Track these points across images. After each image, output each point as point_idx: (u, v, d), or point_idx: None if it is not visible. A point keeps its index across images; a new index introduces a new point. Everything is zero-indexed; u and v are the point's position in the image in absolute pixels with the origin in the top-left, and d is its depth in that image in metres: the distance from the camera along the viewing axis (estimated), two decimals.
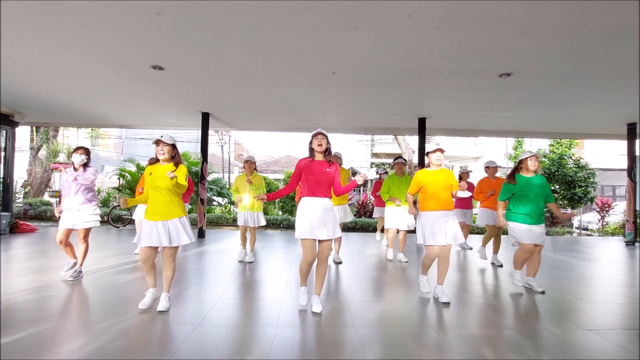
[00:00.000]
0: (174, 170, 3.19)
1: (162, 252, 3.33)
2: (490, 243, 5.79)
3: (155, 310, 3.20)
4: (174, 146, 3.32)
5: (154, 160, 3.37)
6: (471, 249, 7.05)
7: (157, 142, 3.26)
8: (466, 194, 4.93)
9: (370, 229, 10.27)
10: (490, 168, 5.80)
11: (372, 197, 7.80)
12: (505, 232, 5.09)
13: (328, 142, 3.38)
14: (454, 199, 3.93)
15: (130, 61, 5.28)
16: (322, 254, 3.34)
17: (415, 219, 4.71)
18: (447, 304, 3.61)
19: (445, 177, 3.72)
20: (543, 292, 4.06)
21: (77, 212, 4.21)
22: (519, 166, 4.12)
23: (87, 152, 4.32)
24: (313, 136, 3.37)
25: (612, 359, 2.54)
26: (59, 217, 4.28)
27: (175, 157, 3.32)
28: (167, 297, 3.32)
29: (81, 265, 4.33)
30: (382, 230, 7.74)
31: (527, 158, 4.05)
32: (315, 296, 3.41)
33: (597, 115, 7.89)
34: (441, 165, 3.78)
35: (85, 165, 4.29)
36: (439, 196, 3.69)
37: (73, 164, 4.25)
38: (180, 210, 3.31)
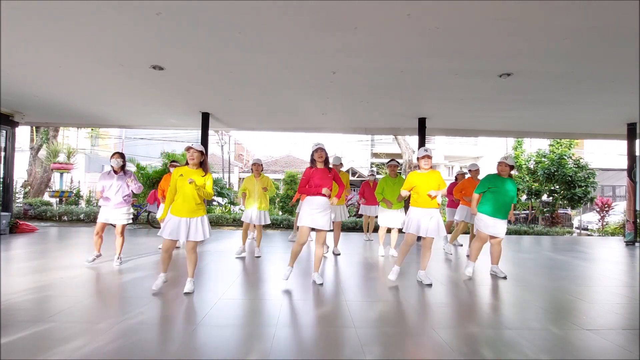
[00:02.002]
0: (203, 175, 3.71)
1: (184, 245, 3.85)
2: (462, 236, 6.80)
3: (182, 293, 3.75)
4: (202, 153, 3.75)
5: (183, 165, 3.82)
6: (461, 245, 7.32)
7: (188, 149, 3.71)
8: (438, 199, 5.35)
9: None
10: (472, 171, 6.37)
11: (360, 197, 8.05)
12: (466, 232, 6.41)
13: (326, 154, 4.23)
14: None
15: (130, 61, 5.28)
16: (318, 239, 4.21)
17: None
18: (429, 285, 4.29)
19: (433, 179, 4.30)
20: (505, 277, 4.74)
21: (113, 209, 4.93)
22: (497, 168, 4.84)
23: (122, 156, 5.02)
24: (314, 150, 4.19)
25: (612, 359, 2.54)
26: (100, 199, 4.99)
27: (203, 162, 3.76)
28: (192, 281, 3.82)
29: (120, 254, 5.09)
30: (368, 228, 8.14)
31: (498, 163, 4.81)
32: (315, 273, 4.29)
33: (597, 115, 7.88)
34: (429, 168, 4.37)
35: (123, 168, 4.99)
36: (425, 197, 4.27)
37: (113, 167, 4.97)
38: (203, 210, 3.77)
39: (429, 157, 4.33)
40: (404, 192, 4.43)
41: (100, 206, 5.03)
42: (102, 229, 5.00)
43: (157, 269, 4.96)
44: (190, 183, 3.58)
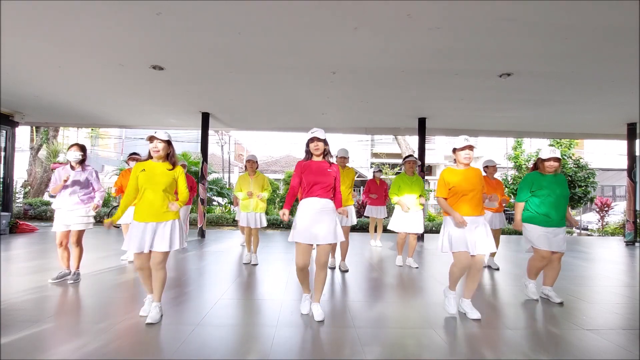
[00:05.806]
0: (171, 169, 3.06)
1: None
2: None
3: (145, 322, 2.92)
4: (169, 143, 3.06)
5: (145, 158, 3.13)
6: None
7: (151, 139, 3.03)
8: (493, 205, 4.80)
9: None
10: (490, 167, 5.39)
11: (365, 197, 7.76)
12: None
13: (325, 144, 3.22)
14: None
15: (130, 61, 5.28)
16: (318, 259, 3.11)
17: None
18: (477, 320, 3.16)
19: (476, 177, 3.22)
20: (561, 304, 3.66)
21: (69, 212, 4.04)
22: (537, 165, 3.70)
23: (81, 148, 4.17)
24: (309, 140, 3.21)
25: (612, 359, 2.54)
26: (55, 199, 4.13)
27: (170, 154, 3.09)
28: (158, 306, 3.02)
29: (77, 268, 4.17)
30: (375, 231, 7.67)
31: (546, 159, 3.58)
32: (315, 304, 3.18)
33: (597, 115, 7.89)
34: (470, 163, 3.26)
35: (82, 162, 4.16)
36: (469, 199, 3.18)
37: (69, 162, 4.13)
38: (174, 213, 3.05)
39: (471, 147, 3.17)
40: (442, 202, 3.25)
41: (54, 209, 4.12)
42: (63, 239, 4.08)
43: None
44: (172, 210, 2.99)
